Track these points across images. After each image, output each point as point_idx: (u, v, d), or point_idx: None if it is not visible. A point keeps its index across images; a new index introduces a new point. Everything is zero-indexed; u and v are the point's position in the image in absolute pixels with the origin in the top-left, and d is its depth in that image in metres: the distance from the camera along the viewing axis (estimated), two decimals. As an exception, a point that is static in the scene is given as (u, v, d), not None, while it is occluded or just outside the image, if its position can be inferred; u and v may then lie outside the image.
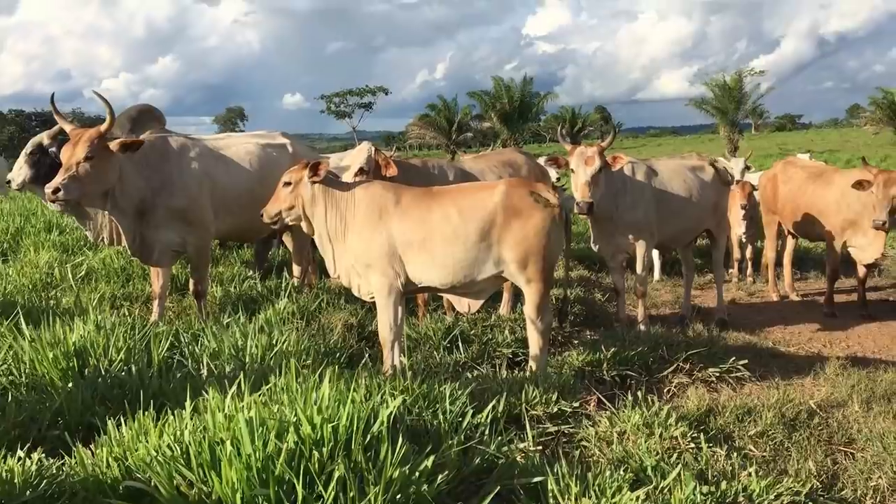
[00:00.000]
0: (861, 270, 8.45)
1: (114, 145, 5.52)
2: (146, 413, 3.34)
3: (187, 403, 3.33)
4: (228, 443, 2.76)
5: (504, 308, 7.03)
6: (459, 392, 4.07)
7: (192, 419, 3.12)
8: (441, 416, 3.64)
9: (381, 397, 3.56)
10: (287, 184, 5.06)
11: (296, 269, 7.39)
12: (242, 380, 3.67)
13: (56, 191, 5.30)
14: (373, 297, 5.10)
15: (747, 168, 12.43)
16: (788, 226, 9.05)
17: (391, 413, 3.05)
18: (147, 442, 3.01)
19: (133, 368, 4.22)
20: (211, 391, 3.49)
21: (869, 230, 8.04)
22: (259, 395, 3.44)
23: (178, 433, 2.99)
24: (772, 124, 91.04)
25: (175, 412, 3.41)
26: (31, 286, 7.20)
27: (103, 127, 5.59)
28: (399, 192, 5.04)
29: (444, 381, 4.42)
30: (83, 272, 7.74)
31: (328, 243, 5.09)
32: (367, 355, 5.19)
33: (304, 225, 5.13)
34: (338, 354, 5.04)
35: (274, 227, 5.33)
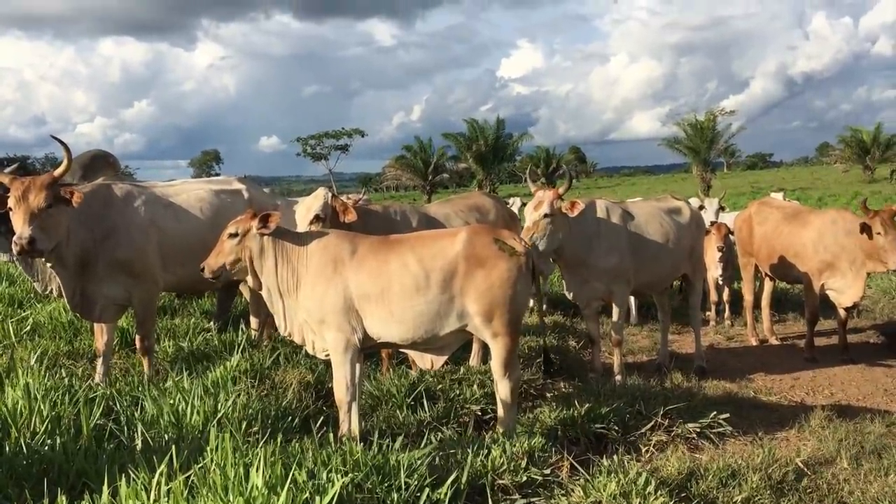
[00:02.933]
0: (841, 313, 8.21)
1: (69, 197, 5.17)
2: (56, 501, 2.93)
3: (104, 489, 2.94)
4: (136, 544, 2.37)
5: (474, 359, 6.67)
6: (418, 462, 3.72)
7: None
8: (395, 494, 3.26)
9: (328, 475, 3.19)
10: (233, 235, 4.70)
11: (253, 322, 6.99)
12: (174, 455, 3.29)
13: (31, 241, 4.93)
14: (328, 355, 4.73)
15: (721, 209, 12.27)
16: (765, 268, 8.82)
17: (332, 499, 2.67)
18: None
19: (58, 441, 3.81)
20: (135, 472, 3.10)
21: (847, 272, 7.82)
22: (188, 476, 3.06)
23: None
24: (743, 163, 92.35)
25: (94, 497, 3.02)
26: (-31, 344, 6.73)
27: (58, 171, 5.26)
28: (355, 242, 4.71)
29: (404, 447, 4.07)
30: (28, 327, 7.29)
31: (278, 299, 4.72)
32: (322, 417, 4.81)
33: (250, 279, 4.76)
34: (290, 418, 4.64)
35: (213, 282, 4.94)
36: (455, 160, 60.42)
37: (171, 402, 4.41)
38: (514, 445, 4.23)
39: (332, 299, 4.57)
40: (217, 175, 17.34)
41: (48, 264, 5.54)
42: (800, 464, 4.64)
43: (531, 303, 11.07)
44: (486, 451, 4.19)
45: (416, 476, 3.51)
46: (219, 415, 4.26)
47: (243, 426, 4.19)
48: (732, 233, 9.61)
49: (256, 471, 2.80)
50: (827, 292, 8.06)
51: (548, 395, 6.13)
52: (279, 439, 3.86)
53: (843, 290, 7.96)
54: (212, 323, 7.65)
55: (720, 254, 9.45)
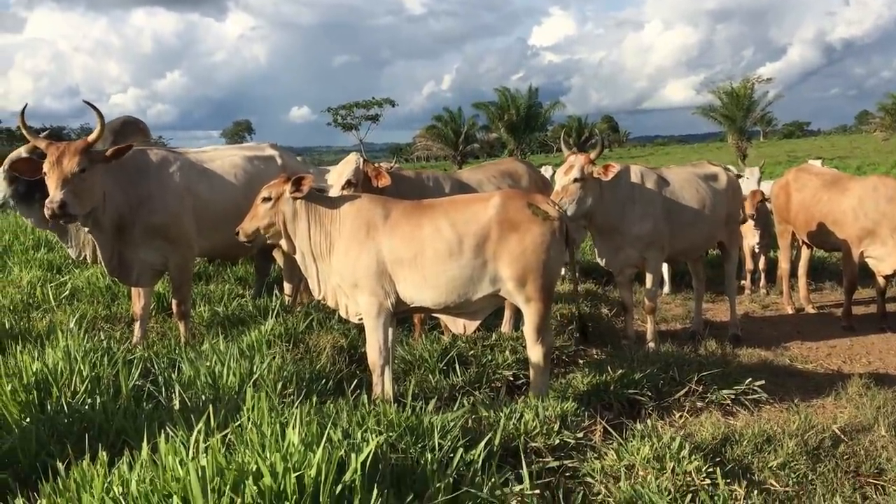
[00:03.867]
0: (880, 282, 8.05)
1: (107, 153, 5.24)
2: (97, 457, 2.99)
3: (144, 445, 2.99)
4: (176, 498, 2.41)
5: (506, 326, 6.67)
6: (452, 424, 3.73)
7: (143, 467, 2.77)
8: (429, 455, 3.28)
9: (363, 435, 3.21)
10: (266, 199, 4.72)
11: (287, 287, 7.05)
12: (211, 414, 3.34)
13: (62, 205, 4.98)
14: (361, 319, 4.75)
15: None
16: (802, 236, 8.66)
17: (367, 458, 2.70)
18: (92, 492, 2.66)
19: (98, 401, 3.89)
20: (174, 430, 3.16)
21: (888, 239, 7.66)
22: (225, 434, 3.10)
23: (127, 483, 2.64)
24: (780, 131, 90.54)
25: (133, 454, 3.08)
26: (10, 307, 6.88)
27: (92, 137, 5.31)
28: (388, 206, 4.70)
29: (437, 410, 4.09)
30: (67, 292, 7.43)
31: (312, 263, 4.74)
32: (356, 380, 4.84)
33: (284, 243, 4.79)
34: (324, 381, 4.69)
35: (248, 247, 4.97)
36: (486, 130, 60.11)
37: (208, 364, 4.46)
38: (547, 409, 4.22)
39: (365, 263, 4.58)
40: (264, 144, 17.44)
41: (85, 229, 5.62)
42: (836, 430, 4.57)
43: (564, 269, 11.07)
44: (518, 414, 4.19)
45: (449, 438, 3.52)
46: (254, 376, 4.30)
47: (278, 387, 4.23)
48: (768, 200, 9.44)
49: (293, 429, 2.83)
50: (866, 260, 7.91)
51: (580, 361, 6.12)
52: (314, 400, 3.90)
53: (884, 258, 7.80)
54: (245, 290, 7.74)
55: (755, 221, 9.30)
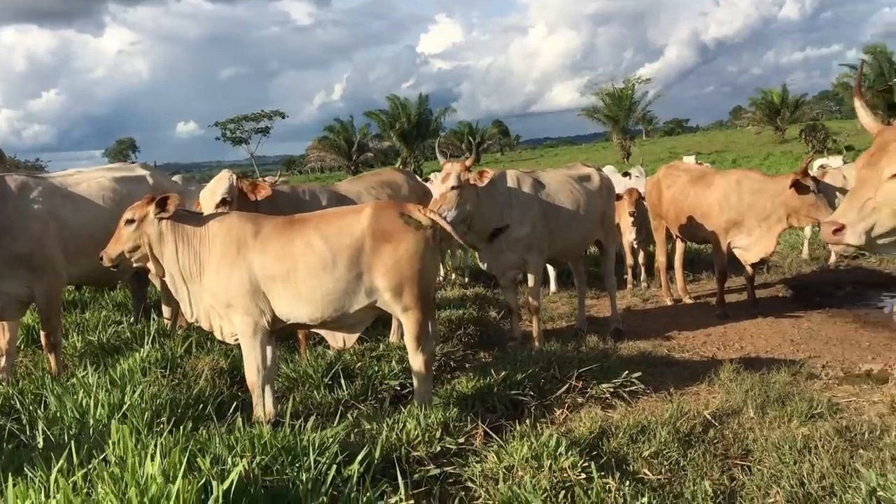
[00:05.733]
0: (748, 270, 8.52)
1: None
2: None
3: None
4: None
5: (393, 336, 6.67)
6: (330, 440, 3.70)
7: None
8: (304, 475, 3.24)
9: (233, 460, 3.14)
10: (130, 221, 4.56)
11: (165, 311, 6.83)
12: (73, 451, 3.19)
13: None
14: (237, 340, 4.65)
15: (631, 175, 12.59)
16: (675, 230, 9.06)
17: (231, 484, 2.64)
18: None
19: (-48, 445, 3.66)
20: (32, 471, 3.00)
21: (755, 229, 8.11)
22: (86, 472, 2.97)
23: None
24: (661, 129, 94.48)
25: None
26: None
27: None
28: (258, 223, 4.62)
29: (318, 426, 4.05)
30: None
31: (182, 284, 4.61)
32: (236, 403, 4.73)
33: (152, 266, 4.64)
34: (202, 406, 4.56)
35: (118, 272, 4.80)
36: (379, 139, 60.08)
37: (76, 397, 4.27)
38: (429, 417, 4.24)
39: (237, 282, 4.49)
40: (133, 164, 16.81)
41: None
42: (707, 415, 4.78)
43: (453, 276, 11.17)
44: (401, 424, 4.19)
45: (327, 455, 3.49)
46: (124, 407, 4.14)
47: (147, 417, 4.09)
48: (644, 198, 9.84)
49: (152, 459, 2.73)
50: (734, 250, 8.35)
51: (467, 365, 6.19)
52: (186, 427, 3.79)
53: (750, 248, 8.26)
54: (125, 316, 7.46)
55: (632, 218, 9.67)
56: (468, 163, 6.25)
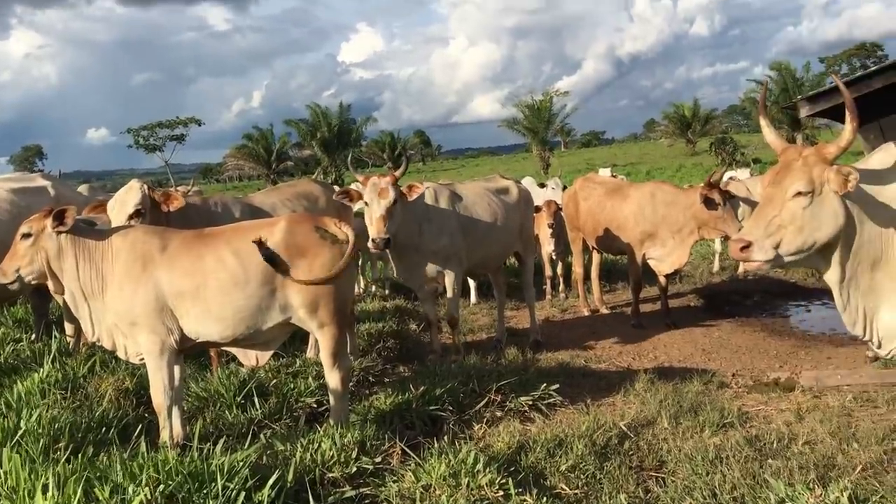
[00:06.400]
0: (661, 280, 8.70)
1: None
2: None
3: None
4: None
5: (311, 351, 6.51)
6: (240, 464, 3.55)
7: None
8: (212, 501, 3.10)
9: (135, 488, 2.97)
10: (26, 235, 4.30)
11: (68, 328, 6.48)
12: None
13: None
14: (142, 359, 4.44)
15: (564, 187, 12.72)
16: (592, 241, 9.20)
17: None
18: None
19: None
20: None
21: (668, 241, 8.30)
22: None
23: None
24: (579, 141, 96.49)
25: None
26: None
27: None
28: (165, 237, 4.43)
29: (228, 449, 3.89)
30: None
31: (83, 302, 4.37)
32: (143, 424, 4.51)
33: (50, 283, 4.38)
34: (104, 429, 4.32)
35: (12, 289, 4.52)
36: (299, 147, 59.37)
37: (-37, 424, 3.98)
38: (345, 436, 4.14)
39: (142, 299, 4.29)
40: (40, 171, 16.03)
41: None
42: (623, 427, 4.83)
43: (373, 288, 11.06)
44: (316, 445, 4.08)
45: (236, 479, 3.35)
46: (19, 433, 3.88)
47: (44, 443, 3.84)
48: (562, 209, 9.96)
49: (44, 491, 2.55)
50: (648, 261, 8.53)
51: (386, 380, 6.10)
52: (87, 453, 3.58)
53: (664, 259, 8.45)
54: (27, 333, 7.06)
55: (551, 230, 9.77)
56: (397, 174, 6.16)
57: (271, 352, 4.70)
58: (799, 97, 8.02)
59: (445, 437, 4.41)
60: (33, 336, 7.20)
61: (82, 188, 10.60)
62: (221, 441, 3.92)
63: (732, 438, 4.52)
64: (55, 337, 6.25)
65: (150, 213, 5.50)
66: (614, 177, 12.87)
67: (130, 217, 5.41)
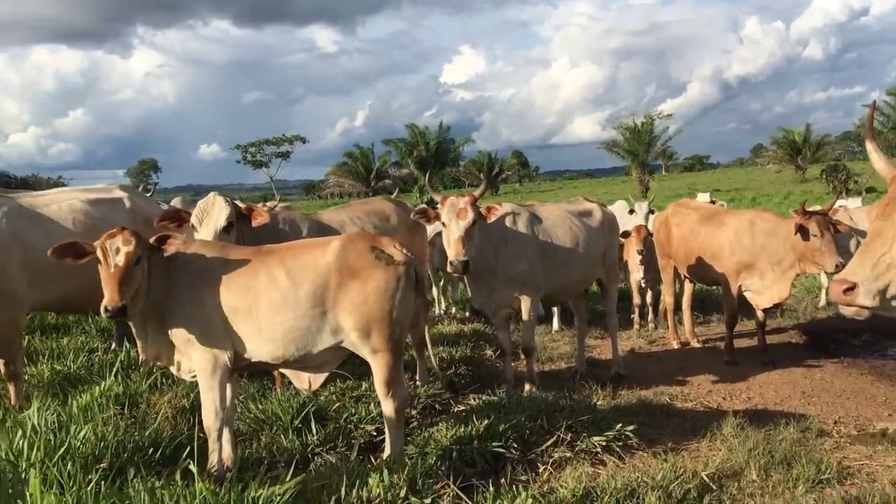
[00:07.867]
0: (759, 315, 8.07)
1: None
2: None
3: None
4: None
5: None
6: (279, 499, 3.34)
7: None
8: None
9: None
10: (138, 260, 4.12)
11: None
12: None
13: None
14: (195, 377, 4.30)
15: (651, 212, 12.15)
16: (683, 270, 8.65)
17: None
18: None
19: None
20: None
21: (767, 273, 7.69)
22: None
23: None
24: (681, 165, 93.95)
25: None
26: None
27: None
28: (224, 253, 4.30)
29: (275, 479, 3.69)
30: None
31: (144, 316, 4.26)
32: (193, 445, 4.37)
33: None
34: (152, 450, 4.19)
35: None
36: (398, 166, 60.23)
37: (11, 439, 3.92)
38: (395, 474, 3.87)
39: (198, 316, 4.16)
40: (155, 185, 16.74)
41: None
42: (705, 477, 4.39)
43: (453, 310, 10.79)
44: (363, 480, 3.82)
45: (274, 514, 3.13)
46: (60, 451, 3.78)
47: (82, 463, 3.73)
48: (653, 235, 9.45)
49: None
50: (745, 293, 7.92)
51: (454, 410, 5.80)
52: (126, 475, 3.44)
53: (762, 292, 7.82)
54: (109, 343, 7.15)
55: (640, 256, 9.28)
56: (476, 194, 5.90)
57: (325, 375, 4.48)
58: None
59: (502, 481, 4.06)
60: (113, 345, 7.29)
61: (175, 201, 10.83)
62: (262, 470, 3.72)
63: (829, 498, 4.01)
64: (126, 348, 6.26)
65: (237, 226, 5.44)
66: (713, 202, 12.14)
67: (224, 229, 5.33)
